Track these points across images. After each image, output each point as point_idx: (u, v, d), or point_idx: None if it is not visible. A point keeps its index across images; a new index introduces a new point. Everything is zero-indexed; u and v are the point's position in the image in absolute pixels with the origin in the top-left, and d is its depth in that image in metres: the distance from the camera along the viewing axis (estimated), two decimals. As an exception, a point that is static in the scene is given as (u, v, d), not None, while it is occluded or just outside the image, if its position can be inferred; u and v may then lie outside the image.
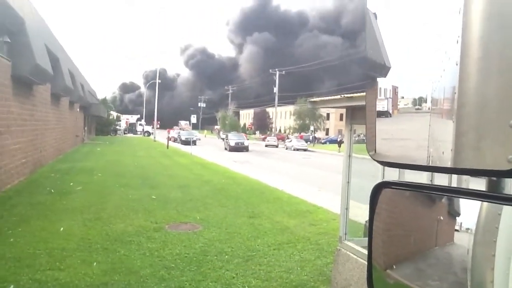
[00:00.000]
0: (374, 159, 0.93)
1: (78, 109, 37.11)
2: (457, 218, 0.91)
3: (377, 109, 1.02)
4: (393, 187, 0.96)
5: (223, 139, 49.83)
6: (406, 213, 0.99)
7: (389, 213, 0.99)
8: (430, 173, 4.08)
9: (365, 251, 5.50)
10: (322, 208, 12.39)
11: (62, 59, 25.64)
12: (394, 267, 0.98)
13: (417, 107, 0.97)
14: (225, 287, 6.29)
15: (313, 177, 21.85)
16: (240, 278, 6.61)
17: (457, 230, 0.91)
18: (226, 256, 7.62)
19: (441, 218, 0.93)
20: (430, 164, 0.89)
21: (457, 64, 0.78)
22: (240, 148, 45.66)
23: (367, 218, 3.89)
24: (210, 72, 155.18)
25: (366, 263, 3.61)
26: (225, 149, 47.32)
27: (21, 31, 15.32)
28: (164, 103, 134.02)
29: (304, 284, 6.51)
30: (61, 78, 23.74)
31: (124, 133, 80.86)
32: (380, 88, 1.04)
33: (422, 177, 4.28)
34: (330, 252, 7.73)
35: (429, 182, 3.58)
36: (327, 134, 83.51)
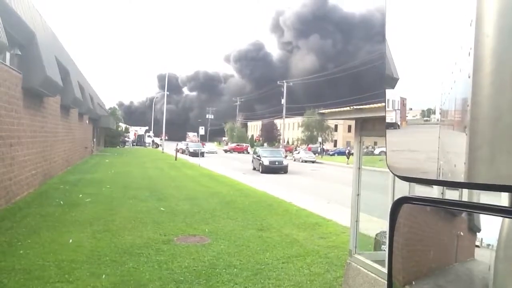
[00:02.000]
0: (394, 174, 0.93)
1: (87, 121, 37.38)
2: (477, 233, 0.90)
3: (389, 121, 1.01)
4: (413, 202, 0.95)
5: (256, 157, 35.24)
6: (425, 229, 0.98)
7: (409, 228, 0.98)
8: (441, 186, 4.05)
9: (376, 265, 5.46)
10: (331, 221, 12.31)
11: (72, 71, 25.92)
12: (414, 283, 0.96)
13: (425, 118, 0.96)
14: (234, 300, 6.25)
15: (322, 189, 21.76)
16: (249, 292, 6.56)
17: (477, 246, 0.89)
18: (235, 270, 7.58)
19: (461, 233, 0.92)
20: (441, 178, 0.88)
21: (469, 77, 0.78)
22: (276, 168, 33.20)
23: (377, 231, 3.84)
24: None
25: (376, 277, 3.57)
26: (254, 169, 35.38)
27: (32, 44, 15.54)
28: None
29: (314, 297, 6.45)
30: (70, 90, 23.98)
31: (133, 145, 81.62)
32: (388, 100, 1.04)
33: (431, 190, 4.25)
34: (340, 266, 7.66)
35: (449, 198, 3.55)
36: (335, 145, 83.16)
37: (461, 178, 0.81)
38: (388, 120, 1.00)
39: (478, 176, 0.78)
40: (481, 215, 0.88)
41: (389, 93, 1.01)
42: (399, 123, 0.99)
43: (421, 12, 0.95)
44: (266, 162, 33.11)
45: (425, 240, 0.98)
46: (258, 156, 35.17)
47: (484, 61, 0.75)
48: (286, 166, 33.62)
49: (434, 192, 4.07)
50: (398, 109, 1.02)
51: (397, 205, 0.95)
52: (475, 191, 3.68)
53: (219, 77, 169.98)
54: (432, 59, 0.93)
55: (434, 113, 0.94)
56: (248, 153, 69.54)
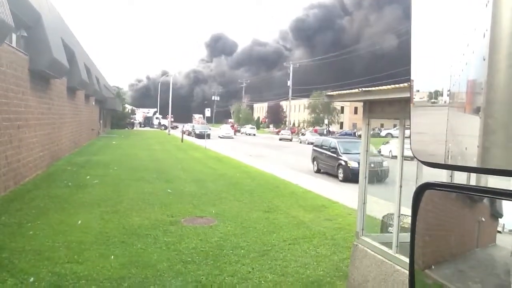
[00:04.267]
0: (418, 159, 0.91)
1: (93, 103, 37.44)
2: (499, 219, 0.89)
3: (415, 103, 0.99)
4: (436, 188, 0.94)
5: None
6: (448, 214, 0.97)
7: (431, 213, 0.96)
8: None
9: (383, 247, 5.48)
10: (337, 203, 12.35)
11: (78, 53, 25.88)
12: (434, 267, 0.96)
13: (432, 100, 0.94)
14: (241, 281, 6.31)
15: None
16: (256, 273, 6.61)
17: (499, 232, 0.88)
18: (242, 251, 7.64)
19: (483, 219, 0.91)
20: (449, 162, 0.87)
21: (484, 59, 0.76)
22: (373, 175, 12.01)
23: (384, 213, 3.84)
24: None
25: (383, 259, 3.58)
26: (319, 171, 21.92)
27: (38, 26, 15.49)
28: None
29: (321, 279, 6.49)
30: (77, 72, 23.98)
31: (141, 126, 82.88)
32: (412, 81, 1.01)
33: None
34: (346, 248, 7.69)
35: (473, 183, 3.53)
36: (341, 127, 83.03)
37: (473, 161, 0.80)
38: (414, 102, 0.98)
39: (492, 161, 0.77)
40: (503, 200, 0.87)
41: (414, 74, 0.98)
42: (424, 105, 0.97)
43: None
44: (353, 163, 17.86)
45: (447, 225, 0.98)
46: (333, 152, 20.40)
47: (501, 43, 0.73)
48: (387, 170, 15.45)
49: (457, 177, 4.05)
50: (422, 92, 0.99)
51: (420, 190, 0.94)
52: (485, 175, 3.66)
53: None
54: (442, 40, 0.91)
55: (441, 95, 0.92)
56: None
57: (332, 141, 21.92)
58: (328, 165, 20.79)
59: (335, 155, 20.06)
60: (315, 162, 22.50)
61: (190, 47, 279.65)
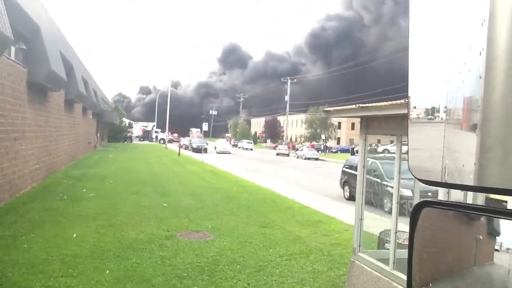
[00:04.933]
0: (415, 177, 0.91)
1: (91, 116, 37.44)
2: (497, 237, 0.89)
3: (412, 119, 0.99)
4: (433, 206, 0.94)
5: None
6: (445, 232, 0.97)
7: (429, 231, 0.96)
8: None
9: (379, 264, 5.45)
10: (334, 218, 12.30)
11: (76, 65, 25.95)
12: (431, 285, 0.96)
13: (429, 116, 0.95)
14: (237, 297, 6.25)
15: (325, 186, 21.74)
16: (252, 288, 6.56)
17: (497, 250, 0.88)
18: (238, 266, 7.58)
19: (481, 237, 0.91)
20: (446, 179, 0.87)
21: (481, 77, 0.76)
22: None
23: (381, 230, 3.83)
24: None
25: (380, 275, 3.56)
26: (352, 197, 16.07)
27: (37, 39, 15.55)
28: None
29: (317, 295, 6.44)
30: (74, 85, 24.00)
31: (140, 140, 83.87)
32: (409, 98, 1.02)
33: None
34: (343, 264, 7.65)
35: (470, 200, 3.53)
36: (338, 143, 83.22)
37: (469, 179, 0.80)
38: (411, 118, 0.99)
39: (489, 179, 0.77)
40: (500, 219, 0.87)
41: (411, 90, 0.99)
42: (421, 122, 0.98)
43: (430, 12, 0.94)
44: (406, 192, 8.99)
45: (445, 243, 0.98)
46: (376, 176, 13.14)
47: (497, 61, 0.74)
48: None
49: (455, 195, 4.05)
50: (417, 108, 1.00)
51: (418, 208, 0.94)
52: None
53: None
54: (441, 58, 0.92)
55: (438, 111, 0.93)
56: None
57: (372, 162, 15.07)
58: (367, 192, 14.85)
59: (378, 180, 13.70)
60: (346, 187, 18.90)
61: (200, 58, 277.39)
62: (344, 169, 19.92)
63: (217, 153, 54.22)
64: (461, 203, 0.92)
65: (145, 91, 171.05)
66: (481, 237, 0.90)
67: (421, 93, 0.99)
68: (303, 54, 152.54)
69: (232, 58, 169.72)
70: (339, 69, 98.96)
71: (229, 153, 56.45)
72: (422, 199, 0.94)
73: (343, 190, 19.26)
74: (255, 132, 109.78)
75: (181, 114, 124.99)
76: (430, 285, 0.96)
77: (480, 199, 3.39)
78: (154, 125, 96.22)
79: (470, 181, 0.80)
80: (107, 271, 6.93)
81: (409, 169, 0.93)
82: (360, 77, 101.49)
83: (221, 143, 62.79)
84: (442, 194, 4.33)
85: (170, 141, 77.29)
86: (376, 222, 7.19)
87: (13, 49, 14.20)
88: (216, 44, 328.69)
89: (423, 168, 0.93)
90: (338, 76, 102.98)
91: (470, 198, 3.75)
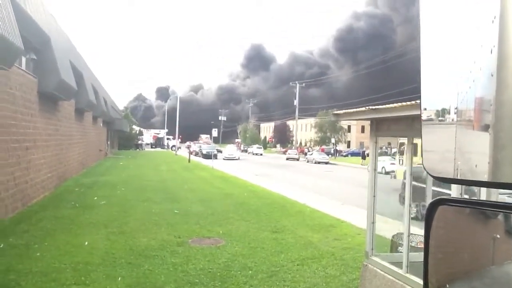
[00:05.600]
0: (431, 175, 0.89)
1: (101, 124, 37.70)
2: (515, 235, 0.86)
3: (425, 119, 0.98)
4: (449, 204, 0.92)
5: None
6: (462, 230, 0.95)
7: (445, 230, 0.94)
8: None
9: (393, 267, 5.40)
10: (346, 222, 12.23)
11: (86, 74, 26.16)
12: (448, 286, 0.93)
13: (440, 118, 0.93)
14: (249, 302, 6.22)
15: (336, 190, 21.65)
16: (264, 294, 6.52)
17: (516, 249, 0.86)
18: (250, 272, 7.55)
19: (499, 235, 0.88)
20: (459, 177, 0.85)
21: (492, 75, 0.75)
22: None
23: (393, 233, 3.80)
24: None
25: (393, 279, 3.52)
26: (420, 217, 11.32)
27: (47, 48, 15.71)
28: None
29: (330, 300, 6.39)
30: (85, 94, 24.19)
31: (152, 147, 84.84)
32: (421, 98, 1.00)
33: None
34: (356, 268, 7.59)
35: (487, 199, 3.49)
36: (348, 146, 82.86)
37: (484, 177, 0.78)
38: (424, 118, 0.97)
39: (504, 176, 0.75)
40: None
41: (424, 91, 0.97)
42: (436, 122, 0.96)
43: (440, 11, 0.93)
44: None
45: (462, 242, 0.95)
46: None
47: (509, 58, 0.73)
48: None
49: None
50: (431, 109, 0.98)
51: (433, 206, 0.92)
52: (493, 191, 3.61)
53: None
54: (451, 57, 0.90)
55: (448, 112, 0.91)
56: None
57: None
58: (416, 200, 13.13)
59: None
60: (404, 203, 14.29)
61: (223, 62, 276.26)
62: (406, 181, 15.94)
63: (224, 159, 53.26)
64: (477, 200, 0.90)
65: (164, 97, 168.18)
66: (498, 236, 0.88)
67: (432, 94, 0.98)
68: (329, 55, 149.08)
69: (256, 61, 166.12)
70: (357, 70, 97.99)
71: (236, 159, 55.08)
72: (438, 197, 0.92)
73: (403, 206, 14.59)
74: (265, 137, 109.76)
75: (198, 120, 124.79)
76: (447, 286, 0.93)
77: (494, 198, 3.36)
78: (166, 132, 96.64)
79: (484, 179, 0.79)
80: (119, 279, 6.94)
81: (424, 169, 0.91)
82: (383, 77, 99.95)
83: (229, 149, 61.63)
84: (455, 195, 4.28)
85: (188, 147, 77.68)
86: (388, 226, 7.14)
87: (23, 59, 14.37)
88: (239, 45, 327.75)
89: (437, 169, 0.91)
90: (360, 76, 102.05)
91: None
